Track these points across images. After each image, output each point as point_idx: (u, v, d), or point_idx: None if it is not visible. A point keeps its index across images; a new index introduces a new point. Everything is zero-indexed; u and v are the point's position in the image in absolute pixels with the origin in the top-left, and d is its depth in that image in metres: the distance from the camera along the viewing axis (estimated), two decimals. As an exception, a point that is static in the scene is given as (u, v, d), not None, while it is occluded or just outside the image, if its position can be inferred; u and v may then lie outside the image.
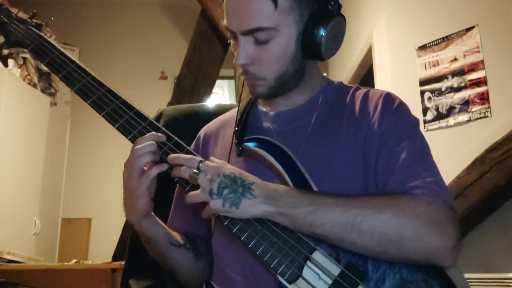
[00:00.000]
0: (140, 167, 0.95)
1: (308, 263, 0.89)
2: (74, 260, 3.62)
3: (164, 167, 0.97)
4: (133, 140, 1.01)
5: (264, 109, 1.14)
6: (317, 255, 0.89)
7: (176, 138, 1.02)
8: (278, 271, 0.89)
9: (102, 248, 4.60)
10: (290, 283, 0.88)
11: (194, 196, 0.93)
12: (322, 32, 0.98)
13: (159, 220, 1.06)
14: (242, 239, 0.91)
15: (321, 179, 0.98)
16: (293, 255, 0.89)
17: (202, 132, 1.21)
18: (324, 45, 0.99)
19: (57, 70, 1.13)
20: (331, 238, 0.88)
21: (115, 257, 3.37)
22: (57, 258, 4.44)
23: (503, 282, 2.25)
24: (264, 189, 0.91)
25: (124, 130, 1.03)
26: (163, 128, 1.03)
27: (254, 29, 0.97)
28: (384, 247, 0.86)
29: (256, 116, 1.14)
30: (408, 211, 0.87)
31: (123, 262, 1.42)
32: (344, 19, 1.03)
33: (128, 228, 3.41)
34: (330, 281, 0.87)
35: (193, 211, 1.14)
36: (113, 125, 1.04)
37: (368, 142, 1.00)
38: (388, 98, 1.05)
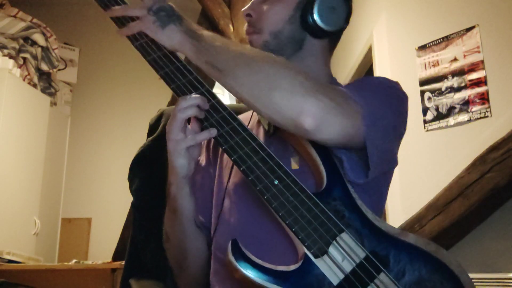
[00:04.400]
0: (183, 118, 0.97)
1: (335, 242, 0.90)
2: (74, 260, 3.62)
3: (214, 132, 0.98)
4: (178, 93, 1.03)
5: None
6: (345, 236, 0.91)
7: (225, 113, 1.01)
8: (306, 244, 0.90)
9: (102, 248, 4.60)
10: (316, 257, 0.89)
11: (132, 8, 1.02)
12: (316, 3, 1.06)
13: (194, 197, 1.07)
14: (273, 206, 0.92)
15: None
16: (322, 231, 0.90)
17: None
18: (318, 18, 1.06)
19: (120, 21, 1.10)
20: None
21: (115, 257, 3.36)
22: (57, 258, 4.44)
23: (503, 282, 2.25)
24: (192, 26, 1.01)
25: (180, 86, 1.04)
26: (218, 98, 1.02)
27: None
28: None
29: None
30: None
31: (123, 262, 1.42)
32: None
33: (128, 228, 3.41)
34: (355, 263, 0.89)
35: (203, 200, 1.14)
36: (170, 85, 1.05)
37: None
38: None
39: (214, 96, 1.01)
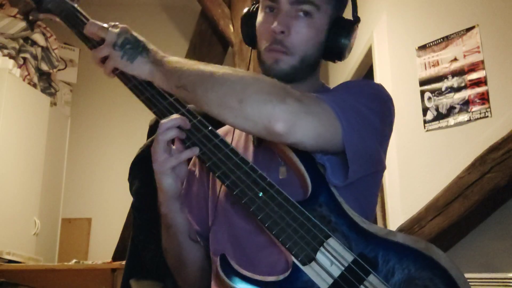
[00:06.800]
0: (165, 141, 0.98)
1: (322, 248, 0.90)
2: (74, 260, 3.62)
3: (196, 151, 0.99)
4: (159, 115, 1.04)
5: None
6: (332, 241, 0.91)
7: (207, 131, 1.02)
8: (293, 252, 0.90)
9: (102, 248, 4.60)
10: (304, 264, 0.90)
11: (99, 49, 1.05)
12: (346, 36, 1.08)
13: (186, 211, 1.08)
14: (259, 217, 0.93)
15: None
16: (308, 239, 0.91)
17: None
18: (344, 49, 1.09)
19: (90, 42, 1.13)
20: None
21: (115, 257, 3.37)
22: (57, 258, 4.44)
23: (503, 282, 2.25)
24: (158, 55, 1.03)
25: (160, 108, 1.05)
26: (200, 117, 1.03)
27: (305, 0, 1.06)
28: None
29: None
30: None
31: (123, 262, 1.42)
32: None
33: (128, 228, 3.41)
34: (343, 267, 0.89)
35: (199, 210, 1.16)
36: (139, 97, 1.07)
37: None
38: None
39: (195, 116, 1.02)
